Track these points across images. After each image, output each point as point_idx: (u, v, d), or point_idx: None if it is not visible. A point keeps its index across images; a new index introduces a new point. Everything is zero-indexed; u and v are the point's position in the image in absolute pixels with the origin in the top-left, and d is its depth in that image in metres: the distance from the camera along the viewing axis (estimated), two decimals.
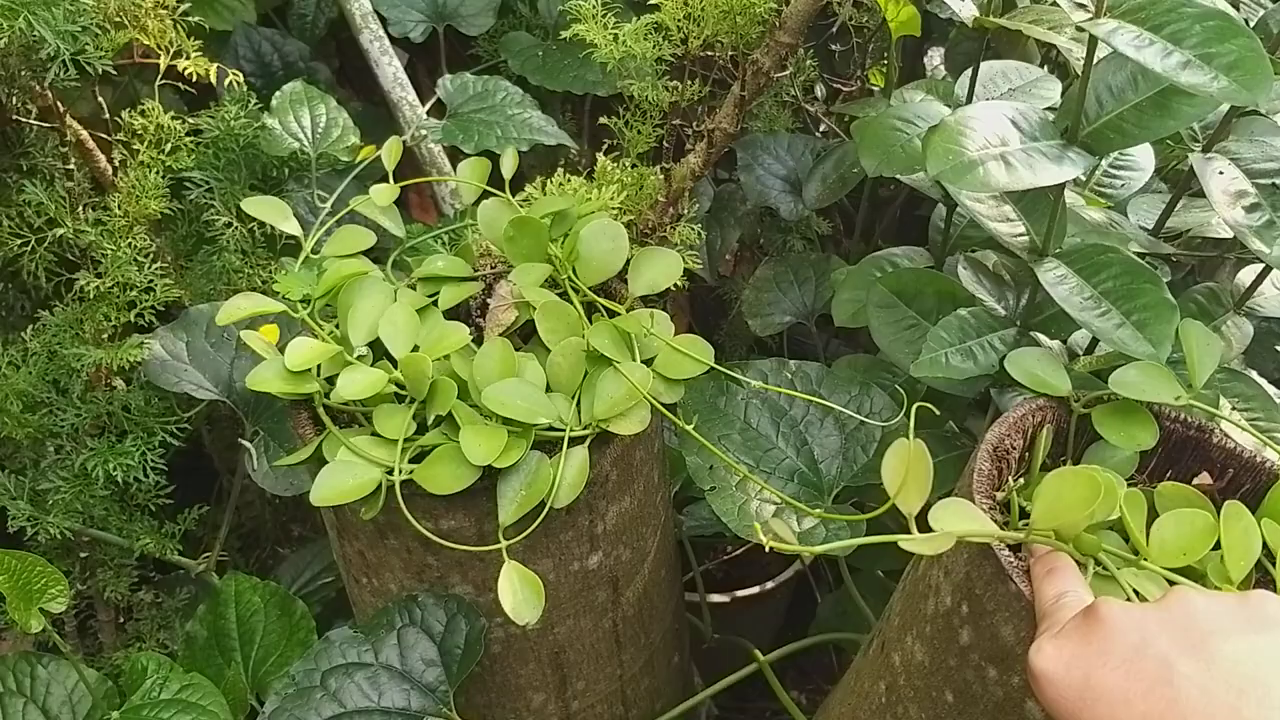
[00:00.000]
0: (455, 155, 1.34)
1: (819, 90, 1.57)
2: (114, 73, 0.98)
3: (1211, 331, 0.73)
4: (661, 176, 0.96)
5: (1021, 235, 0.79)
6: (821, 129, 1.55)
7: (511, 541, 0.74)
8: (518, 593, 0.73)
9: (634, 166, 0.97)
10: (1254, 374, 1.03)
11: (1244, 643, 0.49)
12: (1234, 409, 0.92)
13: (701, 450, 0.89)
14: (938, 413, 0.74)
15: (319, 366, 0.78)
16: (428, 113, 1.33)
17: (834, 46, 1.53)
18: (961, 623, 0.67)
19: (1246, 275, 0.97)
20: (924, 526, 0.60)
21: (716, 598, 1.46)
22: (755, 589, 1.45)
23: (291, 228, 0.87)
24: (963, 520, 0.60)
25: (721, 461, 0.88)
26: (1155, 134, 0.71)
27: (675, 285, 0.88)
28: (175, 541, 1.15)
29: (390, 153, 0.91)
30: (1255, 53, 0.62)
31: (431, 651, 0.83)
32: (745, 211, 1.49)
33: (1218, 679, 0.48)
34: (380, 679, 0.82)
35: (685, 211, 0.97)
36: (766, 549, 0.57)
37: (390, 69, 1.34)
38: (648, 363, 0.79)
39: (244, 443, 1.05)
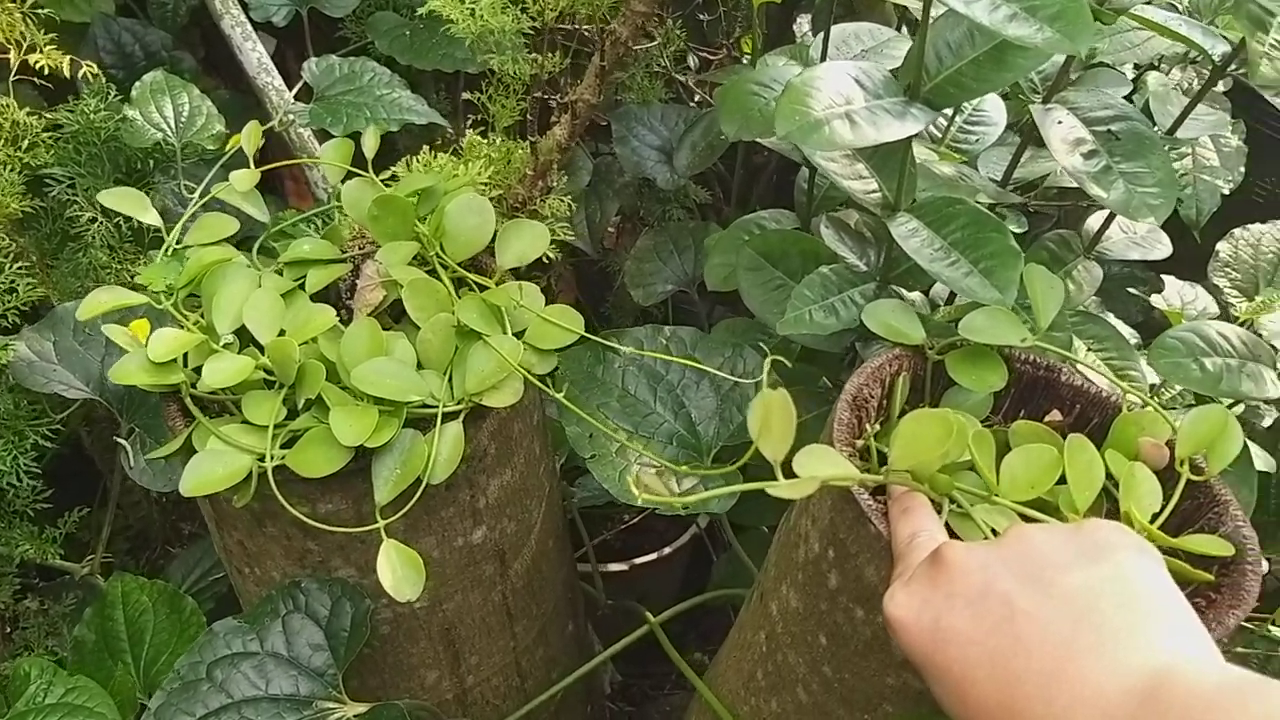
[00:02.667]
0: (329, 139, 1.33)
1: (691, 60, 1.59)
2: None
3: (1054, 275, 0.76)
4: (528, 150, 0.96)
5: (874, 192, 0.81)
6: (695, 99, 1.56)
7: (389, 520, 0.74)
8: (397, 570, 0.73)
9: (501, 141, 0.98)
10: (1110, 316, 1.07)
11: (1079, 574, 0.52)
12: (1089, 350, 0.96)
13: (581, 420, 0.90)
14: (789, 364, 0.76)
15: (186, 356, 0.77)
16: (295, 97, 1.31)
17: (702, 16, 1.55)
18: (829, 567, 0.69)
19: (1095, 221, 1.01)
20: (792, 474, 0.62)
21: (615, 566, 1.48)
22: (653, 555, 1.47)
23: (151, 218, 0.85)
24: (825, 465, 0.62)
25: (600, 429, 0.89)
26: (993, 87, 0.74)
27: (548, 257, 0.89)
28: (57, 546, 1.13)
29: (249, 138, 0.89)
30: (1076, 4, 0.64)
31: (318, 636, 0.83)
32: (624, 183, 1.50)
33: (1055, 611, 0.51)
34: (267, 667, 0.82)
35: (555, 184, 0.98)
36: (638, 502, 0.59)
37: (254, 55, 1.32)
38: (520, 335, 0.80)
39: (119, 440, 1.03)
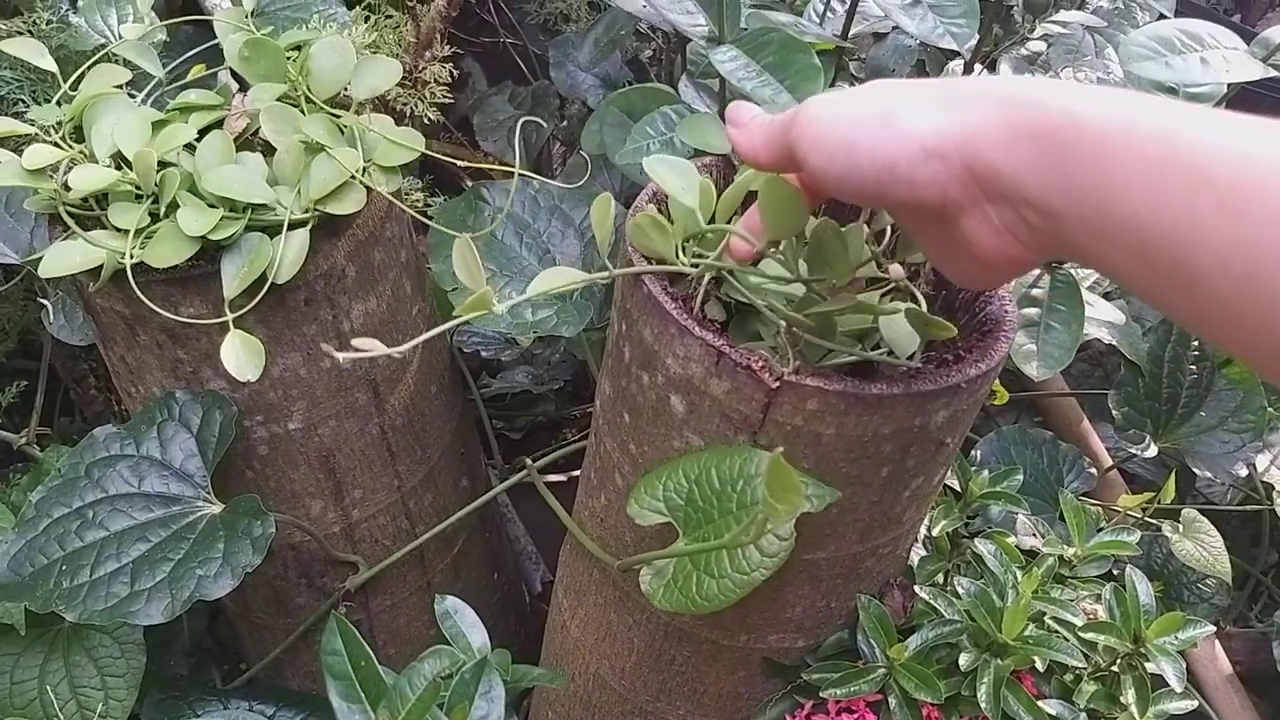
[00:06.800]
0: None
1: None
2: None
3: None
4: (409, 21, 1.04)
5: (700, 26, 0.87)
6: None
7: (239, 313, 0.81)
8: (240, 355, 0.79)
9: (389, 17, 1.05)
10: None
11: None
12: None
13: (447, 258, 0.96)
14: None
15: (65, 177, 0.84)
16: None
17: None
18: (622, 340, 0.75)
19: None
20: None
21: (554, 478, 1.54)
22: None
23: (46, 64, 0.93)
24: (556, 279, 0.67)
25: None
26: None
27: (428, 120, 0.95)
28: None
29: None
30: None
31: (190, 444, 0.89)
32: (556, 107, 1.58)
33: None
34: (142, 468, 0.89)
35: (439, 53, 1.05)
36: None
37: None
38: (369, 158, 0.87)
39: (43, 301, 1.11)
